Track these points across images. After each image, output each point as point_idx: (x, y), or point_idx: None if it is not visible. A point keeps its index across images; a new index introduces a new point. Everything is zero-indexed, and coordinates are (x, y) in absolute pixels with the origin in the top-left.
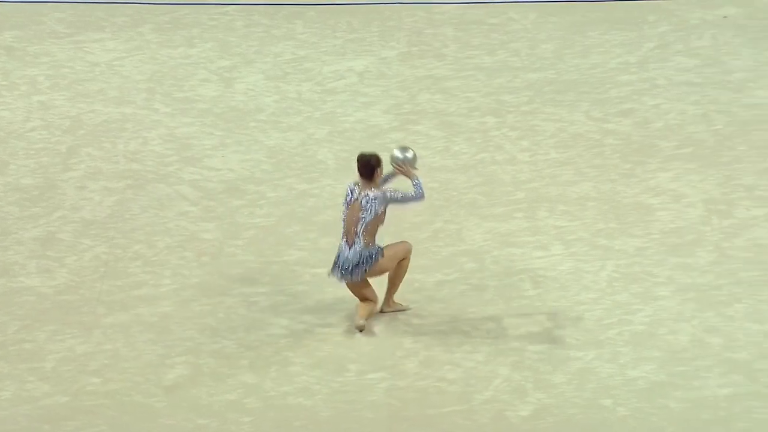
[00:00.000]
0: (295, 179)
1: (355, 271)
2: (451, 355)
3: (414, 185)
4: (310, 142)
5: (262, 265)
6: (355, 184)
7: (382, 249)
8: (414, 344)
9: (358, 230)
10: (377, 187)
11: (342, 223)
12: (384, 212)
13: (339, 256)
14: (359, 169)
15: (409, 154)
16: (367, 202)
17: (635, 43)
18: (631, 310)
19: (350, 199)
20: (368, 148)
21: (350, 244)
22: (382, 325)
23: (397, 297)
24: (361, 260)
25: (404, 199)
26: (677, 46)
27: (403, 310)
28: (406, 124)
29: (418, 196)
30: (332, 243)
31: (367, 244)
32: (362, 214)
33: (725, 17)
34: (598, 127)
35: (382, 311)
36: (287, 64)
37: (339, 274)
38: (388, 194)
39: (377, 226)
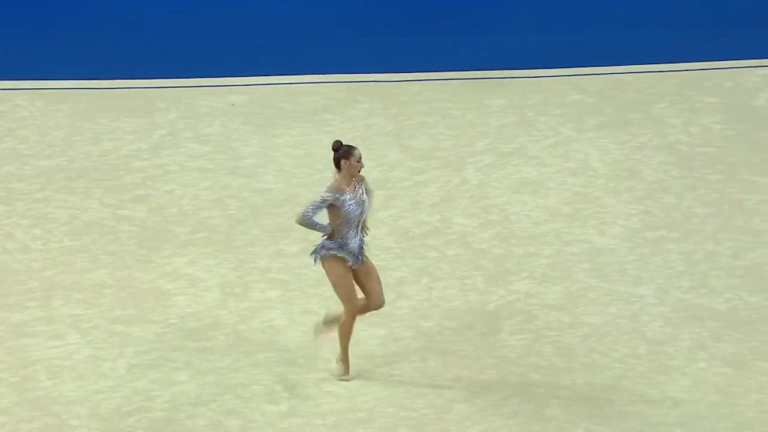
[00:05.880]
0: None
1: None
2: None
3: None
4: None
5: None
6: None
7: (325, 254)
8: None
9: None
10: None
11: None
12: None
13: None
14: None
15: None
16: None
17: (146, 130)
18: (151, 396)
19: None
20: None
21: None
22: None
23: None
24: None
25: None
26: (188, 133)
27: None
28: None
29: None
30: None
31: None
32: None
33: (233, 105)
34: (113, 214)
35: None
36: None
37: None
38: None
39: (337, 221)
